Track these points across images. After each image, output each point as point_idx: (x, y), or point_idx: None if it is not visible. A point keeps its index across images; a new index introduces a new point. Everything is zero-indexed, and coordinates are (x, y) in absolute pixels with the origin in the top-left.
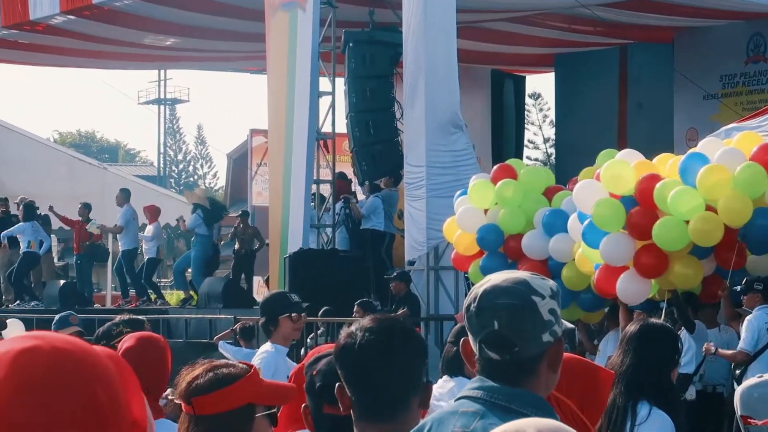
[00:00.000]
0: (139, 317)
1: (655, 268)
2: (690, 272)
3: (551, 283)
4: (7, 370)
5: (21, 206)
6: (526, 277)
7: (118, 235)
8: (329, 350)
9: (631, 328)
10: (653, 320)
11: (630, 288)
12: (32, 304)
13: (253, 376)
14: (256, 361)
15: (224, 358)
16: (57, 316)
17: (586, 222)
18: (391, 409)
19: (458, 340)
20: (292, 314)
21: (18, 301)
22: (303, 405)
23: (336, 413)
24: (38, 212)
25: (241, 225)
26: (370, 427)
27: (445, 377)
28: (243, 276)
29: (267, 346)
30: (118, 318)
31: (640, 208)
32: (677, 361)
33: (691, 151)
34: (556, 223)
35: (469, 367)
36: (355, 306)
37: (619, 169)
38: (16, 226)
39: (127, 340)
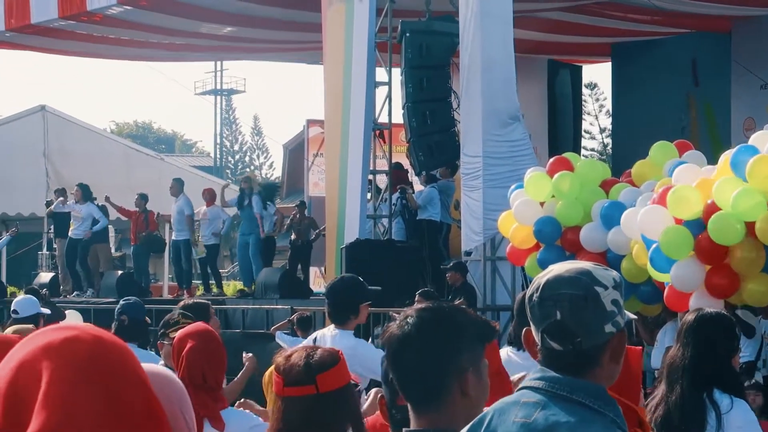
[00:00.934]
0: (203, 301)
1: (727, 288)
2: (763, 289)
3: (614, 273)
4: (58, 359)
5: (77, 187)
6: (589, 268)
7: (174, 226)
8: None
9: (688, 318)
10: (708, 309)
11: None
12: (88, 293)
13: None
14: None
15: (281, 348)
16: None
17: (654, 247)
18: (428, 397)
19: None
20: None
21: (76, 292)
22: (380, 395)
23: None
24: (95, 201)
25: (298, 215)
26: (418, 416)
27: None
28: (299, 266)
29: (336, 330)
30: (182, 302)
31: (708, 233)
32: (737, 347)
33: (742, 144)
34: (615, 216)
35: (531, 356)
36: (417, 296)
37: (684, 193)
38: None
39: (187, 339)
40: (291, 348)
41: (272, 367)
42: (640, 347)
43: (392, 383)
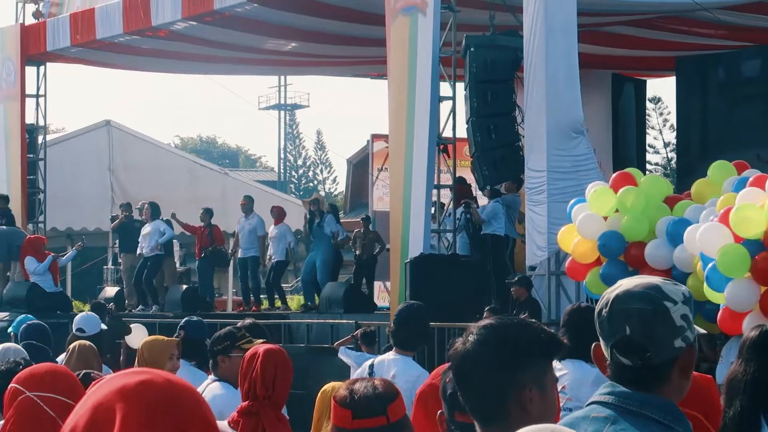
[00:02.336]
0: (260, 323)
1: None
2: None
3: (684, 288)
4: (134, 401)
5: (147, 205)
6: (658, 282)
7: (242, 243)
8: None
9: (751, 334)
10: None
11: None
12: (153, 308)
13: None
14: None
15: (344, 363)
16: (183, 320)
17: (710, 266)
18: (490, 414)
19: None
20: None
21: (141, 306)
22: (439, 411)
23: (467, 421)
24: (161, 218)
25: (362, 229)
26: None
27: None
28: (364, 281)
29: (398, 356)
30: (240, 323)
31: (767, 254)
32: None
33: None
34: (680, 233)
35: (600, 372)
36: (485, 312)
37: (748, 213)
38: (154, 226)
39: (264, 353)
40: (348, 380)
41: (322, 391)
42: (710, 376)
43: (450, 398)
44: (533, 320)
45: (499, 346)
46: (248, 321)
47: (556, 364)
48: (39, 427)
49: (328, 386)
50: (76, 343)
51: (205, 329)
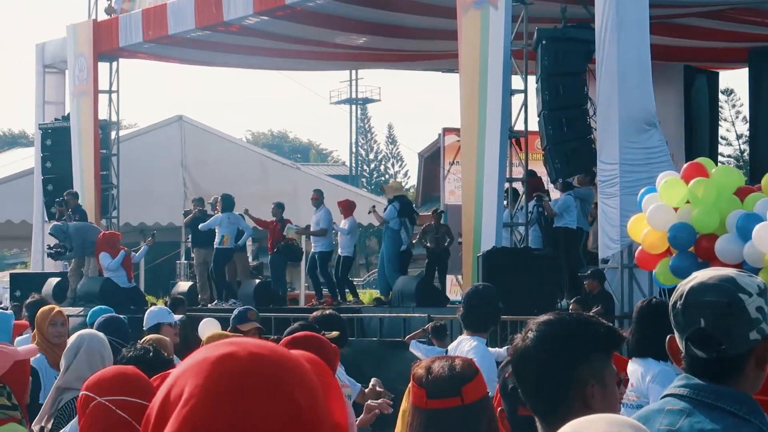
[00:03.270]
0: (336, 314)
1: None
2: None
3: (759, 280)
4: (205, 377)
5: (219, 198)
6: (733, 275)
7: (312, 239)
8: None
9: None
10: None
11: None
12: (230, 302)
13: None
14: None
15: (416, 357)
16: (236, 311)
17: None
18: (550, 409)
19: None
20: None
21: (216, 301)
22: (499, 408)
23: (531, 415)
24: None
25: (434, 223)
26: (543, 428)
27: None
28: (437, 274)
29: (473, 339)
30: (312, 315)
31: None
32: None
33: None
34: (751, 228)
35: (675, 364)
36: (572, 304)
37: None
38: (212, 218)
39: (294, 345)
40: (429, 358)
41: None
42: None
43: (512, 393)
44: (592, 315)
45: (558, 342)
46: (319, 312)
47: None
48: (115, 429)
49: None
50: (149, 336)
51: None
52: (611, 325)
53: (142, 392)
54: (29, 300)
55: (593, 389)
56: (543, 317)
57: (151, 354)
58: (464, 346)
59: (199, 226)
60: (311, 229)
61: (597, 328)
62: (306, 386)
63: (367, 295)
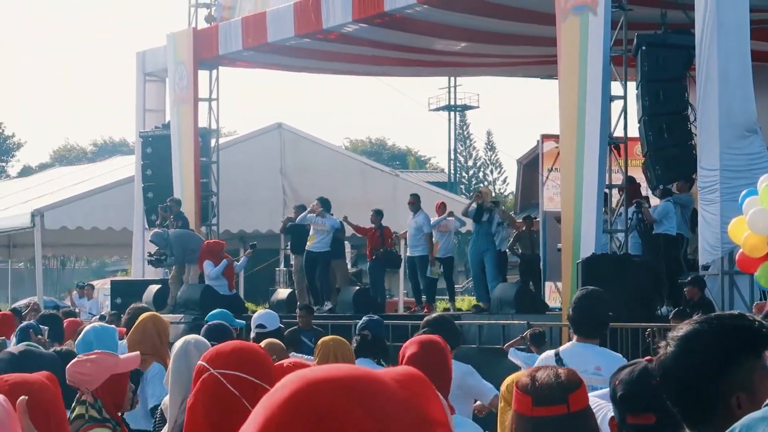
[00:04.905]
0: (447, 315)
1: None
2: None
3: None
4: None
5: (317, 201)
6: None
7: (409, 241)
8: (634, 360)
9: None
10: None
11: None
12: (327, 308)
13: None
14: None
15: (515, 364)
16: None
17: None
18: (696, 418)
19: None
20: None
21: (316, 306)
22: (610, 416)
23: (640, 422)
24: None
25: (525, 229)
26: None
27: None
28: (531, 280)
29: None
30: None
31: None
32: None
33: None
34: None
35: None
36: (671, 319)
37: None
38: (307, 214)
39: (410, 347)
40: (533, 367)
41: (506, 384)
42: None
43: (621, 402)
44: (736, 314)
45: (698, 356)
46: (431, 316)
47: None
48: (221, 404)
49: (509, 378)
50: (265, 341)
51: (383, 326)
52: (758, 322)
53: (257, 370)
54: (131, 307)
55: (738, 399)
56: (680, 330)
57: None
58: (576, 351)
59: (297, 219)
60: (408, 234)
61: (742, 332)
62: None
63: (465, 302)
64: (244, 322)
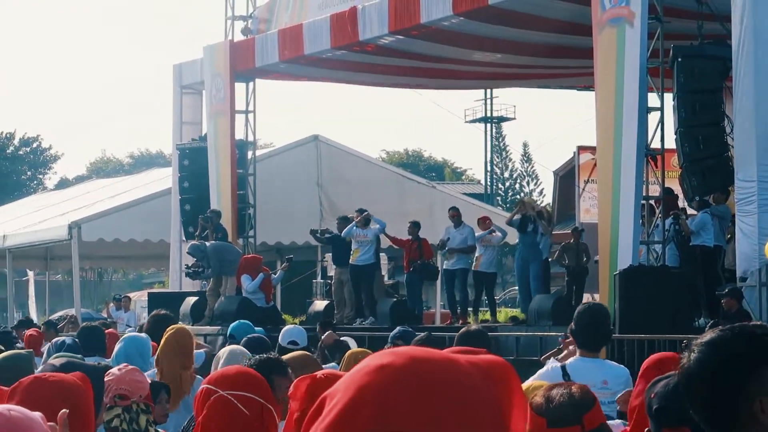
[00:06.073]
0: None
1: None
2: None
3: None
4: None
5: (356, 212)
6: None
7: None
8: (669, 372)
9: None
10: None
11: None
12: (369, 320)
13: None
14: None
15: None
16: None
17: None
18: (720, 428)
19: None
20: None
21: (359, 319)
22: (646, 429)
23: None
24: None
25: (573, 240)
26: None
27: None
28: (578, 293)
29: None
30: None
31: None
32: None
33: None
34: None
35: None
36: (707, 328)
37: None
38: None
39: None
40: (547, 384)
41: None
42: None
43: (657, 414)
44: (758, 324)
45: (721, 364)
46: (465, 329)
47: None
48: (233, 423)
49: (526, 384)
50: (298, 353)
51: (414, 336)
52: None
53: (261, 391)
54: (154, 314)
55: (763, 404)
56: (705, 336)
57: (272, 360)
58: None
59: (342, 233)
60: (452, 246)
61: (763, 341)
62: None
63: (502, 314)
64: (262, 329)
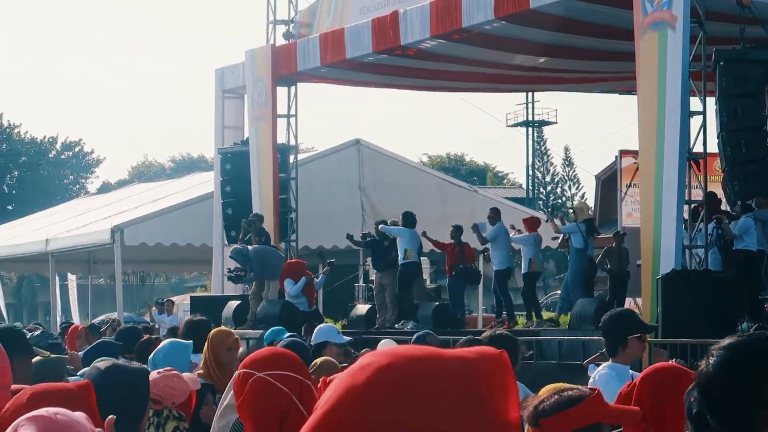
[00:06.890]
0: (507, 332)
1: None
2: None
3: None
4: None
5: (401, 216)
6: None
7: (491, 255)
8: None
9: None
10: None
11: None
12: (410, 325)
13: (596, 399)
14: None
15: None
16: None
17: None
18: (735, 426)
19: None
20: (642, 334)
21: (402, 321)
22: None
23: None
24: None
25: (615, 245)
26: None
27: None
28: (620, 297)
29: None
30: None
31: None
32: None
33: None
34: None
35: None
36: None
37: None
38: (395, 227)
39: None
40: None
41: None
42: None
43: (696, 419)
44: None
45: (740, 368)
46: (489, 332)
47: None
48: (275, 401)
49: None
50: (321, 359)
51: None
52: None
53: (296, 368)
54: (188, 319)
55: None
56: (725, 341)
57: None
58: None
59: (385, 229)
60: (489, 248)
61: None
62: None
63: (545, 317)
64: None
